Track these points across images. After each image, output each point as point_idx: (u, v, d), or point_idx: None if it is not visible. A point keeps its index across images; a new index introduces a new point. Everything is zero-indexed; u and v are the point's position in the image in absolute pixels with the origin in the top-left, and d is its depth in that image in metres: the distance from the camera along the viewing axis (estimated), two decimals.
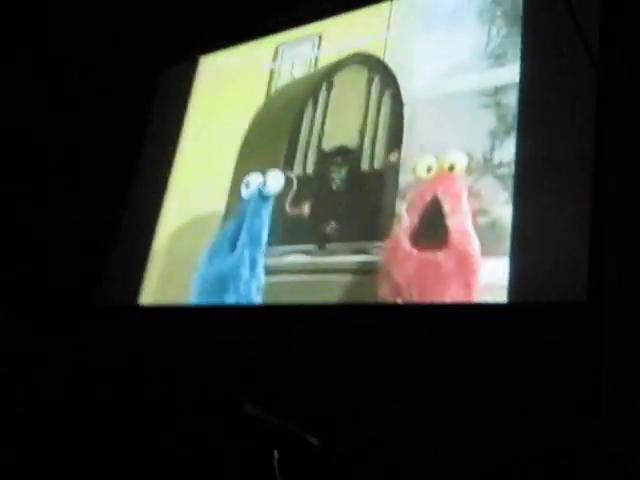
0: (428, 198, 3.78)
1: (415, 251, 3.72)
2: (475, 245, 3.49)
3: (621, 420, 2.92)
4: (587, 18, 3.36)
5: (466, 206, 3.61)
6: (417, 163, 3.90)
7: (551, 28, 3.60)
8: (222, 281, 4.47)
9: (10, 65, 5.24)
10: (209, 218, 4.73)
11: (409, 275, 3.69)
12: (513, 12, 3.84)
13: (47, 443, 4.36)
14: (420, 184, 3.87)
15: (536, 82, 3.62)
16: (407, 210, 3.84)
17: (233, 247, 4.51)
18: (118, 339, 4.63)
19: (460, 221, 3.60)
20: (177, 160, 5.19)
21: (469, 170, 3.70)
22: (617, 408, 2.94)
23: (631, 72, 3.33)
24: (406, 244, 3.76)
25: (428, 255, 3.65)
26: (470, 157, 3.71)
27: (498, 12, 3.93)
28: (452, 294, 3.50)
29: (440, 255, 3.60)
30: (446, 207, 3.69)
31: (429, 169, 3.86)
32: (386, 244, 3.85)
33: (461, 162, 3.73)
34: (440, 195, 3.74)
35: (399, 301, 3.69)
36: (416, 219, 3.79)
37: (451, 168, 3.77)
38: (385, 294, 3.74)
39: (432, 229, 3.70)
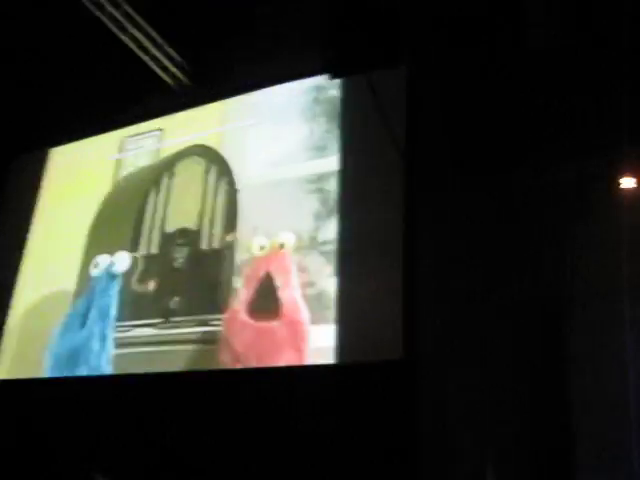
0: (261, 274, 4.17)
1: (252, 321, 4.08)
2: (304, 314, 3.90)
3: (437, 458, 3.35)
4: (394, 114, 3.90)
5: (295, 280, 4.02)
6: (251, 242, 4.28)
7: (364, 123, 4.11)
8: (74, 355, 4.62)
9: None
10: (61, 296, 4.91)
11: (247, 343, 4.04)
12: (332, 110, 4.36)
13: None
14: (254, 261, 4.24)
15: (352, 170, 4.11)
16: (243, 285, 4.20)
17: (84, 323, 4.68)
18: None
19: (290, 293, 4.00)
20: (29, 243, 5.34)
21: (297, 248, 4.12)
22: (432, 448, 3.37)
23: (432, 159, 3.90)
24: (243, 315, 4.12)
25: (263, 324, 4.03)
26: (298, 236, 4.13)
27: (318, 110, 4.43)
28: (286, 358, 3.87)
29: (274, 324, 3.98)
30: (278, 281, 4.08)
31: (262, 247, 4.25)
32: (225, 316, 4.19)
33: (290, 241, 4.15)
34: (272, 271, 4.13)
35: (238, 367, 4.01)
36: (252, 292, 4.16)
37: (281, 246, 4.18)
38: (226, 361, 4.05)
39: (266, 301, 4.07)
